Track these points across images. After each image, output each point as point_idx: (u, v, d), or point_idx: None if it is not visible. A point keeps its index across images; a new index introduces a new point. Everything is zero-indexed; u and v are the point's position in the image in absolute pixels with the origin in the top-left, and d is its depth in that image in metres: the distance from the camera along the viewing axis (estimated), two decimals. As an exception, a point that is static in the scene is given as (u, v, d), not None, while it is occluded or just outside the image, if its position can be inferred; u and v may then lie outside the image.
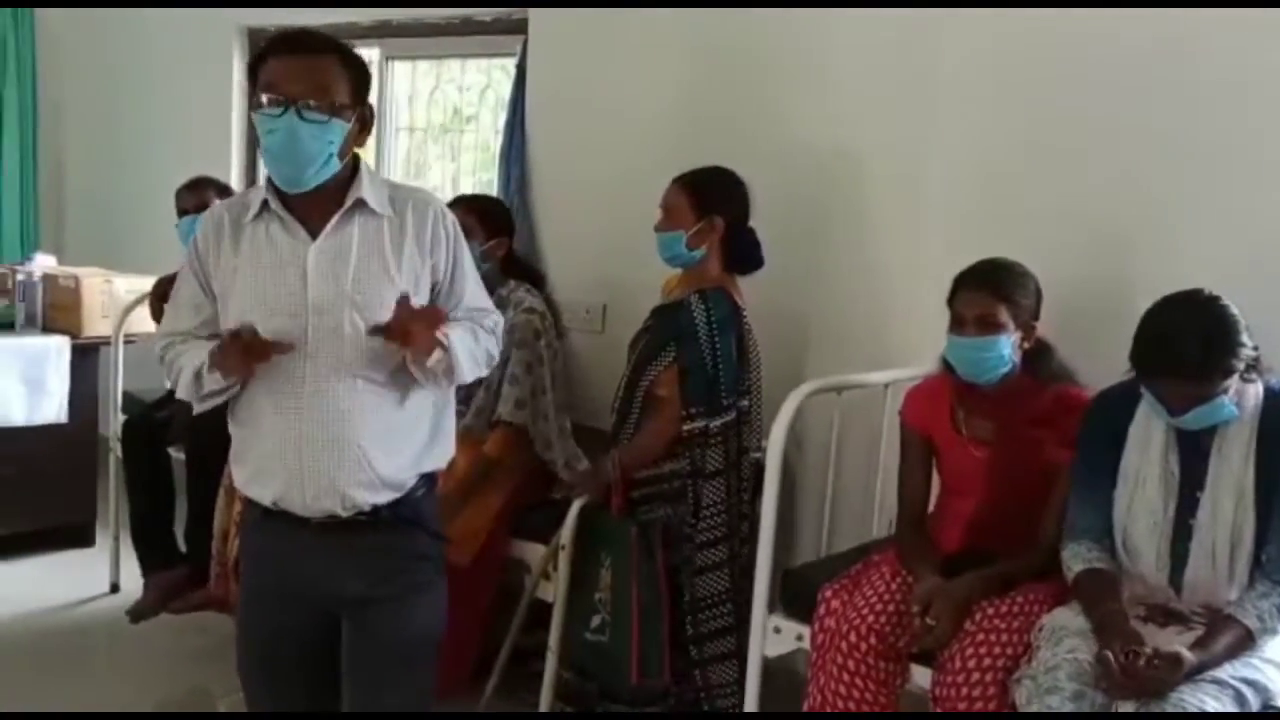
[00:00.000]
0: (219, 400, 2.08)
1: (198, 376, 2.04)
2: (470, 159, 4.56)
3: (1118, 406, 2.33)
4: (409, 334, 1.98)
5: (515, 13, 4.00)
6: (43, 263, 4.54)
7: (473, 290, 2.18)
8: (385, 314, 2.00)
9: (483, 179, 4.43)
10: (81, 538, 4.36)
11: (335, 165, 2.01)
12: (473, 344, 2.13)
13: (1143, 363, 2.19)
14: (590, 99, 3.83)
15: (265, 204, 2.05)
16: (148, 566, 3.80)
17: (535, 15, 3.94)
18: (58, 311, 4.25)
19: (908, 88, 3.14)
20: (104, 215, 5.61)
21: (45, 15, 5.73)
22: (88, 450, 4.34)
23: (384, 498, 2.07)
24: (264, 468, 2.07)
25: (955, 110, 3.05)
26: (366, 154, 4.67)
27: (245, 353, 1.97)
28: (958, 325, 2.47)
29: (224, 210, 2.12)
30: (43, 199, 5.87)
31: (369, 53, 4.59)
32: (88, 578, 4.05)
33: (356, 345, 2.01)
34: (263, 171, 2.52)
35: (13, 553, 4.23)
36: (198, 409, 2.10)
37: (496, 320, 2.23)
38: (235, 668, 2.25)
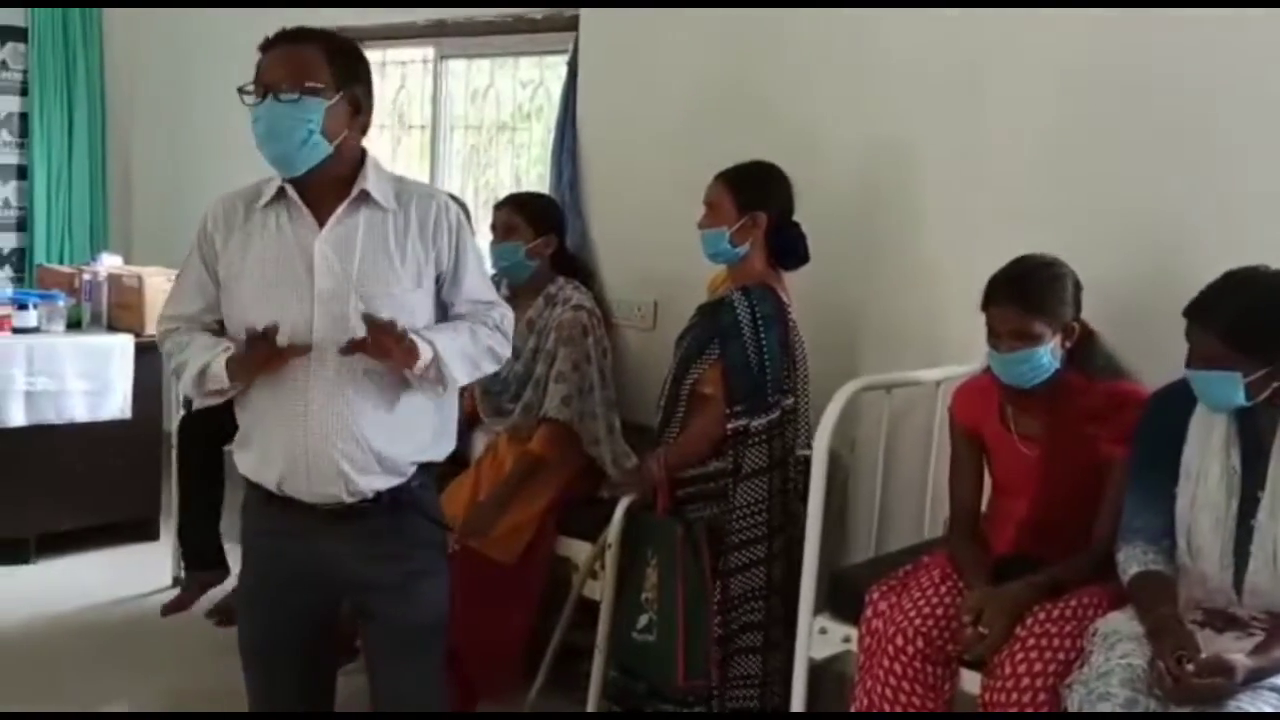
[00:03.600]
0: (219, 400, 2.11)
1: (202, 375, 2.07)
2: (525, 156, 4.57)
3: (1177, 402, 2.26)
4: (382, 348, 2.02)
5: (566, 11, 4.00)
6: (109, 263, 4.64)
7: (475, 283, 2.21)
8: (398, 304, 2.06)
9: (536, 176, 4.43)
10: (145, 532, 4.44)
11: (323, 145, 2.04)
12: (467, 343, 2.15)
13: (1190, 310, 2.15)
14: (640, 96, 3.81)
15: (280, 191, 2.09)
16: (189, 563, 3.86)
17: (586, 13, 3.93)
18: (122, 310, 4.33)
19: (958, 81, 3.07)
20: (170, 216, 5.71)
21: (112, 19, 5.87)
22: (151, 446, 4.43)
23: (385, 484, 2.12)
24: (269, 453, 2.11)
25: (1008, 103, 2.98)
26: (421, 151, 4.75)
27: (264, 364, 2.03)
28: (994, 338, 2.40)
29: (236, 197, 2.16)
30: (111, 200, 6.01)
31: (423, 51, 4.64)
32: (151, 571, 4.12)
33: (360, 334, 2.04)
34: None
35: (79, 547, 4.33)
36: (198, 404, 2.14)
37: (503, 314, 2.24)
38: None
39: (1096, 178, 2.83)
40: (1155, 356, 2.40)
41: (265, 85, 2.02)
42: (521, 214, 3.29)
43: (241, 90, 2.07)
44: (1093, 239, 2.73)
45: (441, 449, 2.25)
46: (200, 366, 2.07)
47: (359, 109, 2.10)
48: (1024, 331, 2.35)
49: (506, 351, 2.25)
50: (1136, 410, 2.35)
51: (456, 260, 2.16)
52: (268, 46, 2.08)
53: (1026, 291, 2.38)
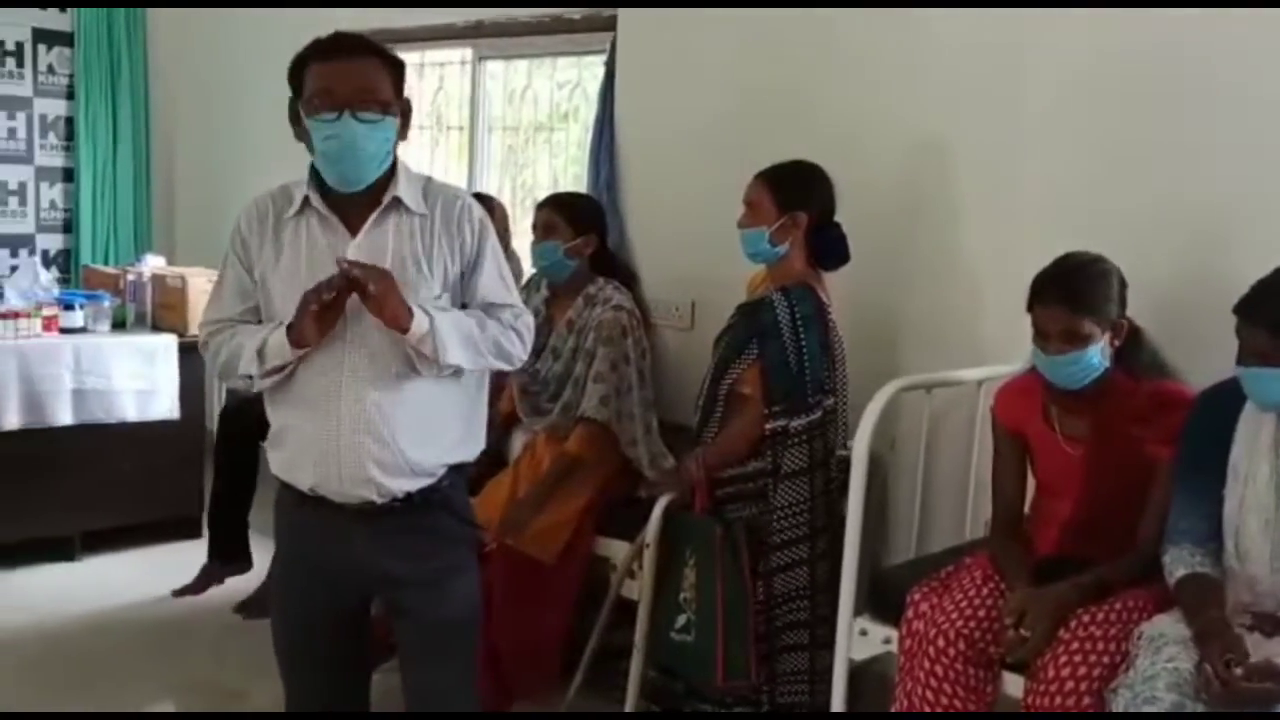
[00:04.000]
0: (278, 378, 2.10)
1: (261, 350, 2.07)
2: (563, 157, 4.58)
3: (1224, 402, 2.22)
4: (361, 286, 1.99)
5: (604, 11, 4.00)
6: (153, 264, 4.70)
7: (492, 285, 2.19)
8: (428, 306, 2.07)
9: (573, 176, 4.44)
10: (188, 530, 4.47)
11: (389, 162, 2.08)
12: (472, 329, 2.13)
13: (1239, 307, 2.11)
14: (678, 95, 3.81)
15: (306, 200, 2.10)
16: (213, 551, 3.92)
17: (624, 13, 3.93)
18: (166, 310, 4.39)
19: (1000, 80, 3.04)
20: (213, 217, 5.75)
21: (156, 22, 5.94)
22: (194, 446, 4.47)
23: (415, 485, 2.14)
24: (300, 455, 2.12)
25: (1050, 101, 2.95)
26: (459, 152, 4.77)
27: (320, 315, 2.01)
28: (1041, 339, 2.36)
29: (269, 200, 2.16)
30: (155, 202, 6.08)
31: (461, 52, 4.66)
32: (194, 570, 4.15)
33: (391, 339, 2.06)
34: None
35: (123, 545, 4.38)
36: (257, 387, 2.12)
37: (518, 314, 2.22)
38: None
39: (1140, 176, 2.79)
40: (1202, 356, 2.36)
41: (342, 102, 1.99)
42: (561, 213, 3.29)
43: (311, 103, 2.02)
44: (1136, 237, 2.68)
45: (470, 450, 2.26)
46: (259, 343, 2.08)
47: (406, 120, 2.12)
48: (1073, 332, 2.32)
49: (518, 351, 2.21)
50: (1183, 411, 2.31)
51: (475, 258, 2.17)
52: (326, 55, 2.04)
53: (1075, 290, 2.34)
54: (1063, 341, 2.33)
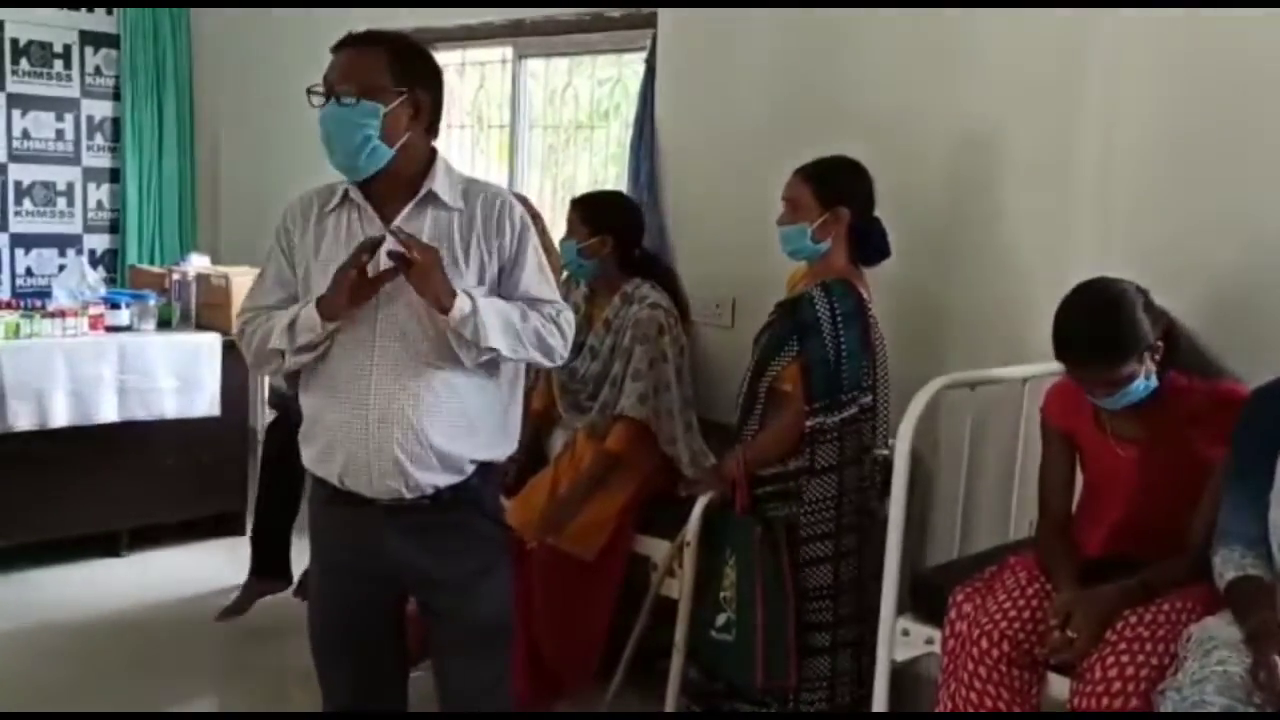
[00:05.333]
0: (309, 356, 2.10)
1: (293, 326, 2.08)
2: (603, 155, 4.58)
3: (1275, 402, 2.17)
4: (415, 280, 2.01)
5: (644, 9, 3.99)
6: (197, 263, 4.74)
7: (534, 280, 2.20)
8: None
9: (613, 175, 4.44)
10: (232, 527, 4.52)
11: (383, 150, 2.07)
12: (515, 318, 2.14)
13: None
14: (719, 92, 3.80)
15: (346, 194, 2.13)
16: (256, 566, 3.87)
17: (665, 10, 3.92)
18: (210, 309, 4.43)
19: (1049, 75, 3.01)
20: (257, 217, 5.76)
21: (200, 22, 6.00)
22: (238, 443, 4.52)
23: (444, 480, 2.14)
24: (331, 446, 2.13)
25: (1101, 98, 2.90)
26: (500, 150, 4.78)
27: (352, 290, 2.02)
28: (1083, 385, 2.34)
29: (314, 195, 2.20)
30: (200, 202, 6.15)
31: (501, 51, 4.67)
32: (237, 566, 4.18)
33: (426, 326, 2.08)
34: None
35: (169, 541, 4.44)
36: (289, 365, 2.12)
37: (559, 310, 2.22)
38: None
39: (1198, 175, 2.72)
40: (1262, 357, 2.32)
41: (328, 89, 2.07)
42: (578, 213, 3.30)
43: (310, 91, 2.10)
44: (1193, 237, 2.65)
45: (503, 449, 2.26)
46: (290, 318, 2.09)
47: (419, 110, 2.11)
48: (1115, 380, 2.29)
49: (559, 345, 2.21)
50: (1238, 410, 2.27)
51: (516, 257, 2.18)
52: (337, 49, 2.12)
53: (1104, 343, 2.28)
54: (1108, 388, 2.30)
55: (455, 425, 2.13)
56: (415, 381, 2.09)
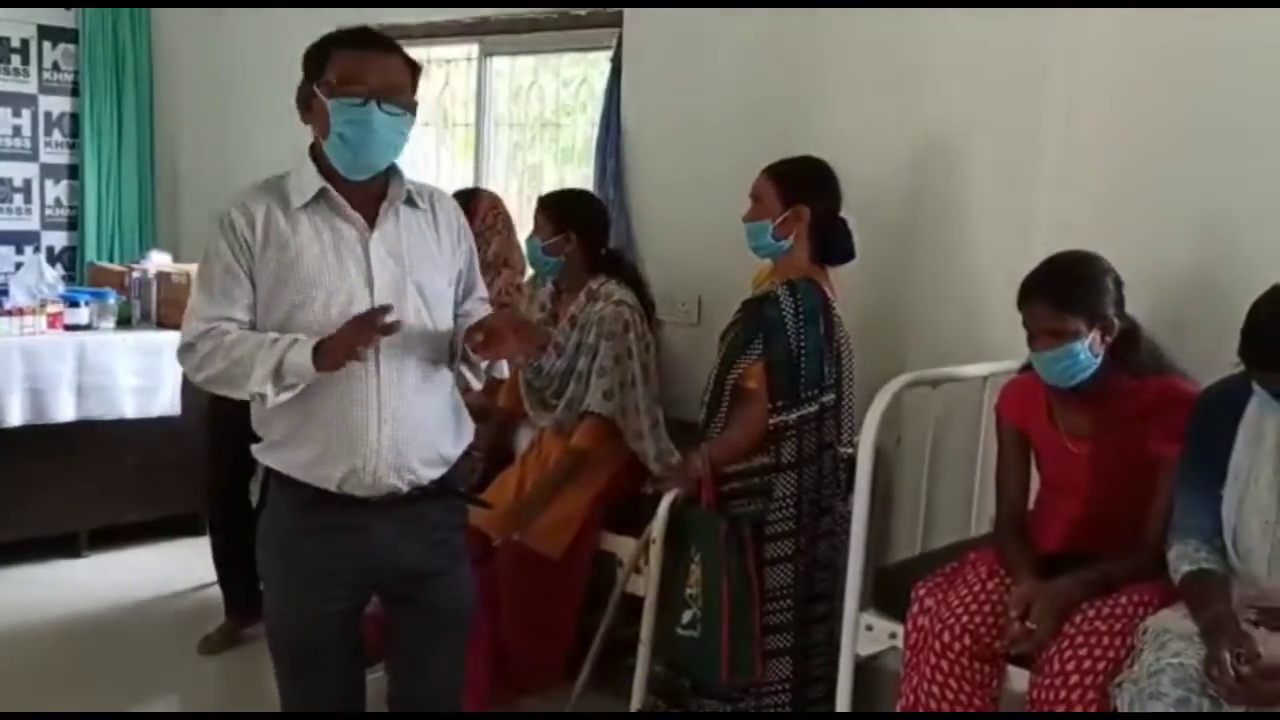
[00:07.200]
0: (292, 394, 2.03)
1: (278, 370, 1.99)
2: (570, 153, 4.58)
3: (1227, 401, 2.22)
4: (504, 341, 2.09)
5: (610, 8, 4.00)
6: (158, 260, 4.69)
7: (478, 279, 2.31)
8: (440, 298, 2.15)
9: (580, 174, 4.44)
10: (193, 527, 4.47)
11: (400, 156, 2.13)
12: None
13: (1253, 355, 2.08)
14: (684, 92, 3.81)
15: (322, 191, 2.08)
16: (228, 607, 3.71)
17: (630, 10, 3.93)
18: (170, 307, 4.38)
19: (1009, 79, 3.05)
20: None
21: (161, 20, 5.93)
22: (198, 443, 4.46)
23: (439, 473, 2.18)
24: (329, 452, 2.07)
25: (1060, 101, 2.95)
26: (465, 148, 4.77)
27: (365, 341, 1.97)
28: (1029, 337, 2.38)
29: (265, 195, 2.10)
30: (160, 199, 6.08)
31: (468, 48, 4.66)
32: (198, 566, 4.14)
33: (421, 329, 2.11)
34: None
35: (130, 541, 4.40)
36: (273, 401, 2.01)
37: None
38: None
39: (1151, 176, 2.78)
40: (1210, 354, 2.35)
41: (372, 90, 2.02)
42: (544, 211, 3.32)
43: (338, 86, 2.02)
44: (1146, 237, 2.70)
45: (469, 436, 2.30)
46: (275, 362, 1.99)
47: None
48: (1057, 329, 2.33)
49: None
50: (1187, 407, 2.31)
51: (469, 258, 2.26)
52: (359, 44, 2.07)
53: (1058, 288, 2.35)
54: (1048, 337, 2.34)
55: (448, 421, 2.20)
56: (418, 382, 2.12)
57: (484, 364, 2.16)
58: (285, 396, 2.03)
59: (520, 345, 2.14)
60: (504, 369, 2.28)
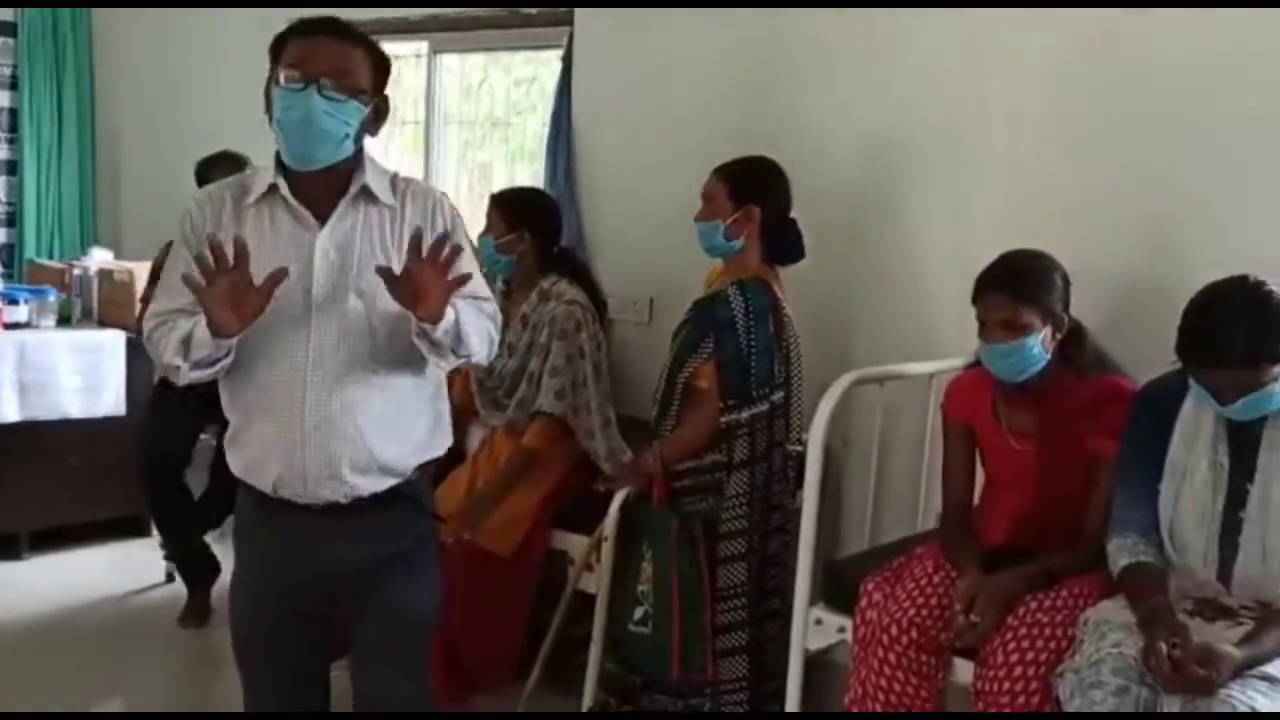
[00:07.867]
0: (210, 372, 1.99)
1: (187, 340, 1.96)
2: (520, 152, 4.58)
3: (1165, 398, 2.28)
4: (421, 286, 1.91)
5: (561, 7, 4.00)
6: (99, 258, 4.63)
7: (475, 278, 2.13)
8: (384, 301, 1.97)
9: (531, 172, 4.44)
10: (137, 529, 4.43)
11: (348, 147, 2.02)
12: (479, 320, 2.07)
13: (1189, 353, 2.14)
14: (635, 91, 3.83)
15: (272, 187, 2.03)
16: (186, 580, 3.84)
17: (581, 9, 3.93)
18: (112, 306, 4.33)
19: (956, 80, 3.10)
20: (160, 211, 5.64)
21: (101, 17, 5.84)
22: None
23: (383, 485, 2.08)
24: (263, 455, 2.04)
25: (1005, 102, 3.00)
26: (415, 146, 4.75)
27: (234, 300, 1.90)
28: (983, 329, 2.42)
29: (224, 190, 2.08)
30: (101, 195, 5.99)
31: (417, 46, 4.64)
32: (143, 568, 4.12)
33: (359, 333, 2.01)
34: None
35: (71, 543, 4.33)
36: (185, 379, 1.99)
37: (495, 309, 2.18)
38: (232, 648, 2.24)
39: (1092, 176, 2.85)
40: (1147, 351, 2.41)
41: (308, 74, 1.96)
42: (497, 208, 3.30)
43: (280, 74, 1.98)
44: (1087, 235, 2.76)
45: (440, 445, 2.20)
46: (185, 331, 1.96)
47: (379, 117, 2.09)
48: (1013, 321, 2.37)
49: (496, 342, 2.17)
50: (1125, 404, 2.37)
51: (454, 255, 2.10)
52: (308, 31, 2.01)
53: (1015, 281, 2.40)
54: (1003, 330, 2.38)
55: (392, 428, 2.07)
56: (355, 388, 2.02)
57: (439, 333, 1.95)
58: (207, 373, 1.99)
59: (450, 286, 1.93)
60: (477, 353, 2.08)
